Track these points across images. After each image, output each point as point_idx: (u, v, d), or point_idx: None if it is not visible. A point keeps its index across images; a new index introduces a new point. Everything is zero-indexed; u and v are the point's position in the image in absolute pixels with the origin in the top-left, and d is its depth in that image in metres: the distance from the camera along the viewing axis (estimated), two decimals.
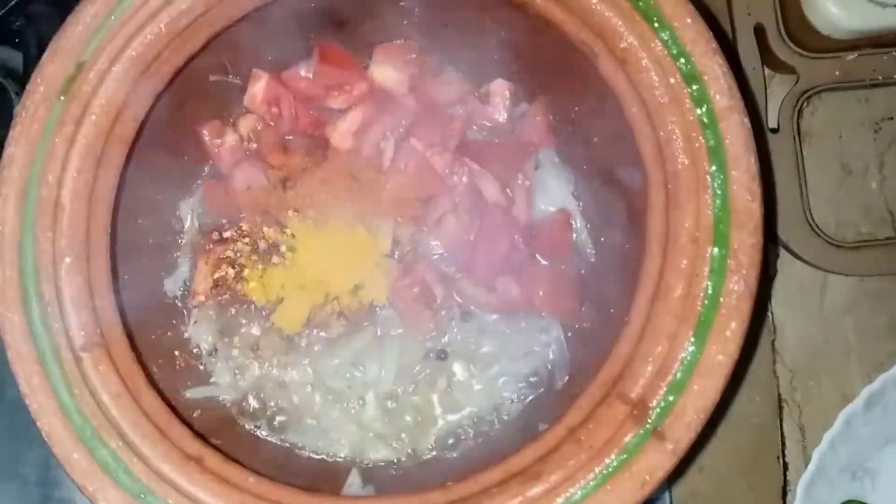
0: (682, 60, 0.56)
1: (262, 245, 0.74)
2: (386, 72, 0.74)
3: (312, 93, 0.75)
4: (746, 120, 0.55)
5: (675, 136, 0.56)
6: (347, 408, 0.72)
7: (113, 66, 0.57)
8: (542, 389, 0.72)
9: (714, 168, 0.54)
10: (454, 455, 0.71)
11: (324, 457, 0.72)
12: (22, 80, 0.76)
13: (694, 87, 0.55)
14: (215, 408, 0.72)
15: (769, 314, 0.80)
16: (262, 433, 0.72)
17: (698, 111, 0.55)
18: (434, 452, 0.72)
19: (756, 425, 0.78)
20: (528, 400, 0.72)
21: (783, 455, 0.78)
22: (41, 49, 0.57)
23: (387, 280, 0.72)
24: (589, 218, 0.74)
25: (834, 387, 0.79)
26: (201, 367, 0.73)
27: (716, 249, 0.54)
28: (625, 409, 0.53)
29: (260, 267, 0.73)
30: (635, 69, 0.57)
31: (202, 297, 0.73)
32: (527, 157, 0.74)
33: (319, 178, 0.73)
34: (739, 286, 0.53)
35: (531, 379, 0.73)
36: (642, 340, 0.55)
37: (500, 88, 0.75)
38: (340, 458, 0.72)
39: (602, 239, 0.73)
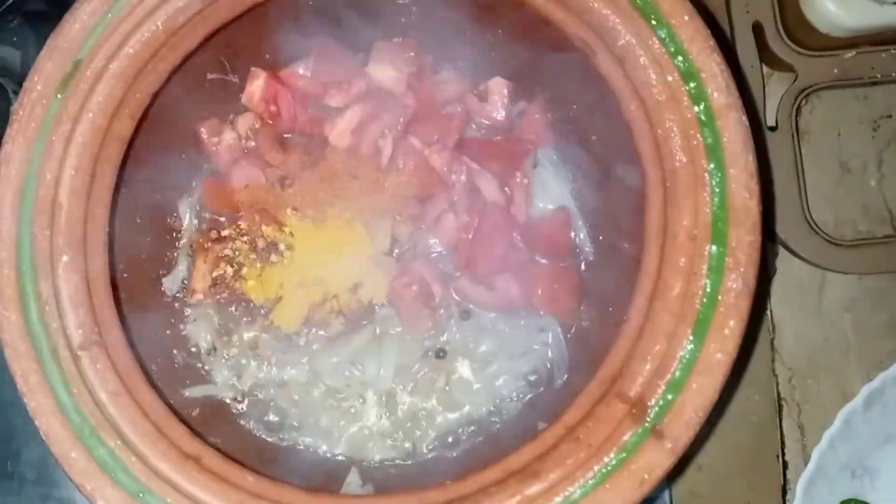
0: (680, 58, 0.56)
1: (261, 243, 0.74)
2: (384, 70, 0.74)
3: (311, 91, 0.75)
4: (744, 117, 0.55)
5: (672, 134, 0.56)
6: (346, 406, 0.72)
7: (110, 64, 0.57)
8: (540, 388, 0.72)
9: (712, 166, 0.54)
10: (453, 454, 0.71)
11: (323, 455, 0.72)
12: (20, 78, 0.76)
13: (692, 85, 0.55)
14: (214, 406, 0.72)
15: (768, 312, 0.80)
16: (261, 432, 0.72)
17: (696, 109, 0.55)
18: (433, 451, 0.72)
19: (755, 424, 0.78)
20: (526, 398, 0.72)
21: (782, 454, 0.78)
22: (39, 47, 0.57)
23: (385, 278, 0.72)
24: (587, 216, 0.74)
25: (833, 385, 0.79)
26: (200, 366, 0.73)
27: (714, 247, 0.54)
28: (623, 407, 0.53)
29: (258, 265, 0.73)
30: (633, 67, 0.57)
31: (201, 296, 0.73)
32: (525, 155, 0.74)
33: (318, 176, 0.73)
34: (738, 284, 0.53)
35: (530, 377, 0.73)
36: (641, 339, 0.55)
37: (499, 86, 0.75)
38: (339, 456, 0.72)
39: (601, 237, 0.73)
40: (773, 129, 0.79)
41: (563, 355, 0.72)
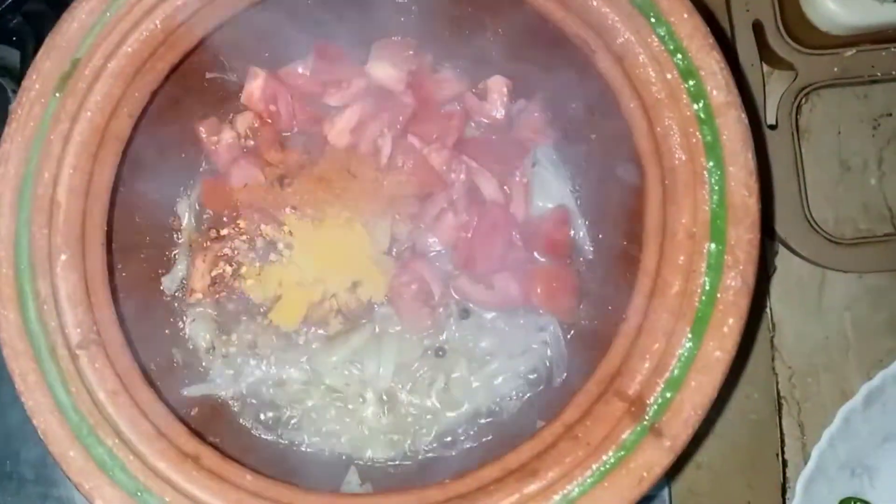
0: (679, 56, 0.56)
1: (260, 242, 0.74)
2: (383, 69, 0.74)
3: (310, 90, 0.75)
4: (744, 115, 0.55)
5: (672, 132, 0.56)
6: (345, 405, 0.72)
7: (108, 63, 0.57)
8: (539, 387, 0.72)
9: (711, 164, 0.54)
10: (452, 452, 0.71)
11: (322, 454, 0.72)
12: (19, 77, 0.76)
13: (691, 83, 0.55)
14: (213, 405, 0.71)
15: (768, 311, 0.80)
16: (260, 431, 0.72)
17: (695, 107, 0.55)
18: (432, 450, 0.72)
19: (755, 422, 0.78)
20: (525, 397, 0.72)
21: (782, 452, 0.78)
22: (38, 47, 0.57)
23: (385, 277, 0.72)
24: (587, 215, 0.74)
25: (833, 384, 0.79)
26: (199, 365, 0.73)
27: (713, 245, 0.54)
28: (622, 405, 0.53)
29: (257, 264, 0.73)
30: (632, 65, 0.57)
31: (200, 295, 0.73)
32: (524, 153, 0.74)
33: (317, 175, 0.73)
34: (736, 282, 0.53)
35: (529, 376, 0.73)
36: (640, 337, 0.55)
37: (498, 85, 0.75)
38: (338, 455, 0.72)
39: (600, 236, 0.73)
40: (773, 127, 0.79)
41: (562, 354, 0.72)
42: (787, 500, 0.76)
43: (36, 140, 0.55)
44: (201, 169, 0.76)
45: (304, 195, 0.73)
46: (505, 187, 0.74)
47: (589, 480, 0.52)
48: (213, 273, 0.73)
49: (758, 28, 0.81)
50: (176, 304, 0.74)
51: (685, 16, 0.56)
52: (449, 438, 0.72)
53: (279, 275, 0.72)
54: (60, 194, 0.56)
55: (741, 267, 0.53)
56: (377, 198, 0.73)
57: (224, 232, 0.74)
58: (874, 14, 0.77)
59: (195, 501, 0.53)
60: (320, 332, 0.73)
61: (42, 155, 0.55)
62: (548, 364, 0.72)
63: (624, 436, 0.52)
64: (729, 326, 0.53)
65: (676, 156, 0.55)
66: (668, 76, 0.56)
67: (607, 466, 0.52)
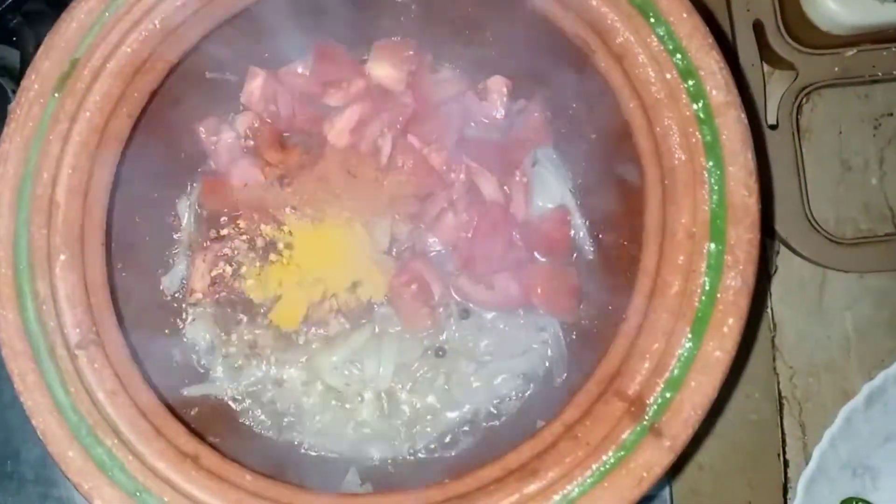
0: (679, 56, 0.55)
1: (260, 242, 0.74)
2: (383, 69, 0.74)
3: (309, 90, 0.75)
4: (743, 115, 0.55)
5: (671, 132, 0.55)
6: (345, 405, 0.72)
7: (107, 63, 0.57)
8: (539, 386, 0.72)
9: (711, 163, 0.54)
10: (452, 452, 0.71)
11: (322, 454, 0.72)
12: (19, 77, 0.76)
13: (690, 83, 0.55)
14: (212, 405, 0.71)
15: (769, 311, 0.80)
16: (260, 431, 0.72)
17: (695, 106, 0.55)
18: (432, 450, 0.72)
19: (756, 422, 0.78)
20: (525, 397, 0.72)
21: (783, 452, 0.78)
22: (38, 47, 0.57)
23: (385, 277, 0.72)
24: (587, 215, 0.74)
25: (834, 384, 0.79)
26: (198, 365, 0.73)
27: (713, 245, 0.53)
28: (622, 405, 0.53)
29: (257, 264, 0.73)
30: (632, 65, 0.57)
31: (200, 295, 0.73)
32: (524, 153, 0.74)
33: (317, 175, 0.73)
34: (736, 282, 0.53)
35: (529, 376, 0.73)
36: (639, 337, 0.55)
37: (498, 85, 0.75)
38: (338, 455, 0.72)
39: (600, 236, 0.73)
40: (773, 127, 0.79)
41: (562, 354, 0.72)
42: (788, 501, 0.76)
43: (35, 140, 0.55)
44: (201, 169, 0.76)
45: (304, 195, 0.73)
46: (505, 187, 0.74)
47: (589, 480, 0.52)
48: (213, 273, 0.73)
49: (758, 28, 0.81)
50: (176, 304, 0.74)
51: (684, 15, 0.56)
52: (449, 438, 0.72)
53: (279, 275, 0.72)
54: (59, 194, 0.56)
55: (741, 267, 0.53)
56: (377, 198, 0.73)
57: (224, 232, 0.74)
58: (875, 14, 0.77)
59: (194, 501, 0.53)
60: (320, 332, 0.73)
61: (41, 155, 0.55)
62: (547, 364, 0.72)
63: (624, 436, 0.52)
64: (729, 326, 0.53)
65: (676, 156, 0.55)
66: (668, 76, 0.56)
67: (607, 466, 0.52)
